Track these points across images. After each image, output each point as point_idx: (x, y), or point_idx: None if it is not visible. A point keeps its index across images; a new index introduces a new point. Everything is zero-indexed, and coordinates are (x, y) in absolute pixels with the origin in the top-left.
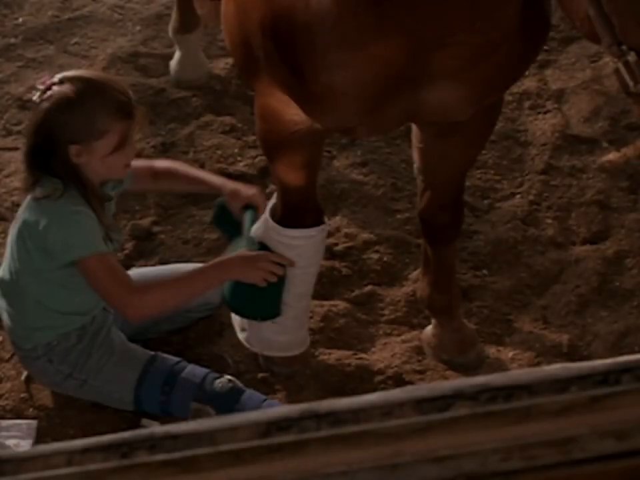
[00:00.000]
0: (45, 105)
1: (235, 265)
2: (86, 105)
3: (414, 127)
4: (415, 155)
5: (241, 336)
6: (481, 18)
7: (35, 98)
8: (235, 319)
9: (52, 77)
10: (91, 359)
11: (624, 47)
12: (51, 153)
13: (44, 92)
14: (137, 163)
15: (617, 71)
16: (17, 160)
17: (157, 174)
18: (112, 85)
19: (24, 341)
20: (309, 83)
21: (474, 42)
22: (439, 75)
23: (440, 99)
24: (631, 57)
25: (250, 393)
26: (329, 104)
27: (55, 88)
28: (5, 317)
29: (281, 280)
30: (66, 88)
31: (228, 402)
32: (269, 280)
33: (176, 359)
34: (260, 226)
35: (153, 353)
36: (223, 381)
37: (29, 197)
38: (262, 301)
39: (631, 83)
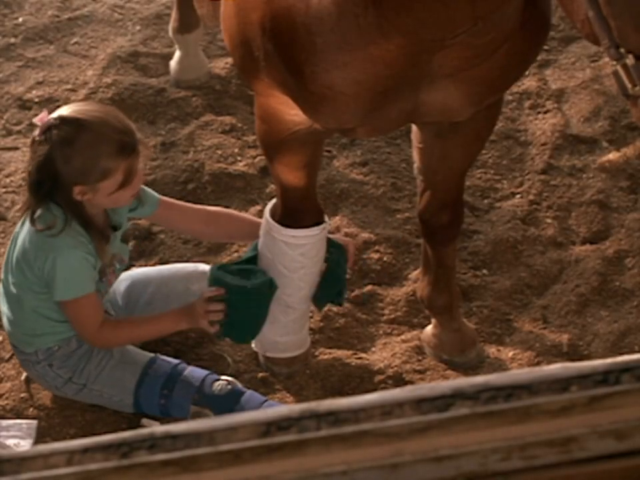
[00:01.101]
0: (46, 147)
1: (181, 320)
2: (88, 149)
3: (414, 127)
4: (415, 155)
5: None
6: (481, 18)
7: (34, 134)
8: None
9: (49, 113)
10: (90, 363)
11: (622, 50)
12: (54, 188)
13: (43, 131)
14: (182, 203)
15: (615, 73)
16: (17, 160)
17: (214, 215)
18: (113, 124)
19: (25, 345)
20: (308, 84)
21: (474, 42)
22: (440, 75)
23: (440, 99)
24: (629, 60)
25: (250, 395)
26: (328, 104)
27: (54, 131)
28: (5, 321)
29: (251, 308)
30: (66, 132)
31: (227, 404)
32: (214, 320)
33: (175, 360)
34: (262, 226)
35: (152, 355)
36: (222, 383)
37: (29, 221)
38: (239, 328)
39: (628, 86)
